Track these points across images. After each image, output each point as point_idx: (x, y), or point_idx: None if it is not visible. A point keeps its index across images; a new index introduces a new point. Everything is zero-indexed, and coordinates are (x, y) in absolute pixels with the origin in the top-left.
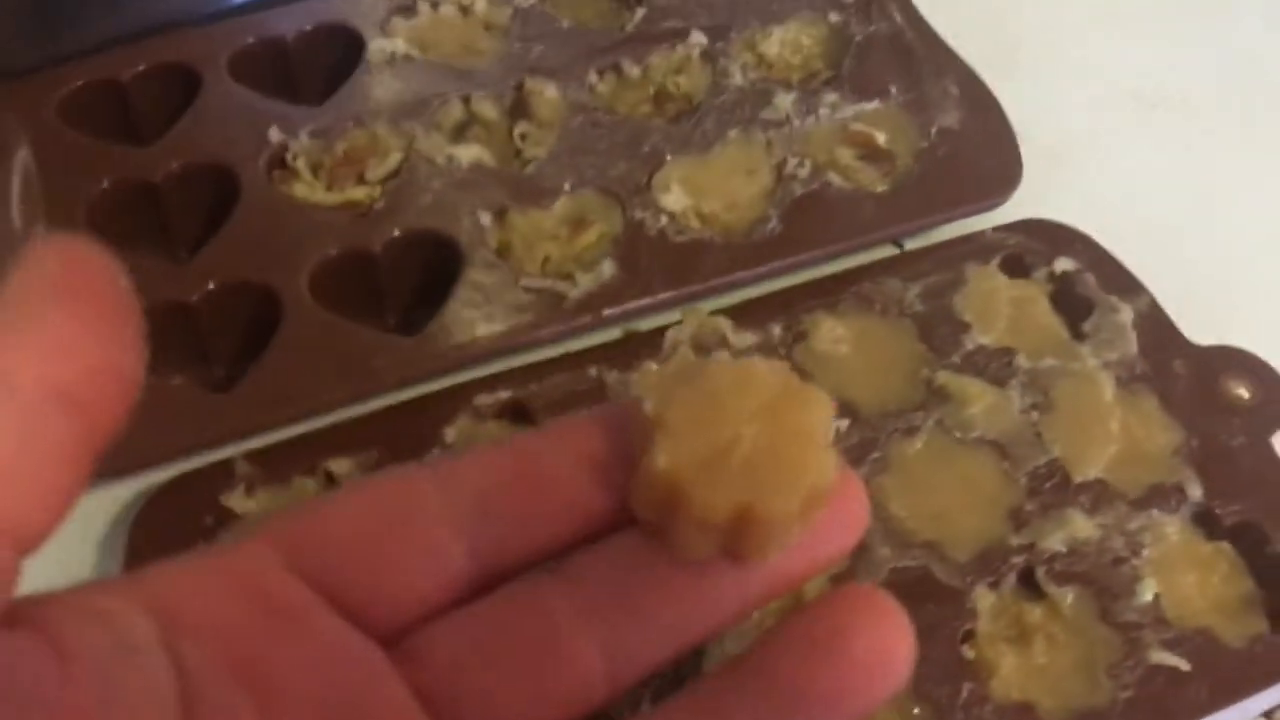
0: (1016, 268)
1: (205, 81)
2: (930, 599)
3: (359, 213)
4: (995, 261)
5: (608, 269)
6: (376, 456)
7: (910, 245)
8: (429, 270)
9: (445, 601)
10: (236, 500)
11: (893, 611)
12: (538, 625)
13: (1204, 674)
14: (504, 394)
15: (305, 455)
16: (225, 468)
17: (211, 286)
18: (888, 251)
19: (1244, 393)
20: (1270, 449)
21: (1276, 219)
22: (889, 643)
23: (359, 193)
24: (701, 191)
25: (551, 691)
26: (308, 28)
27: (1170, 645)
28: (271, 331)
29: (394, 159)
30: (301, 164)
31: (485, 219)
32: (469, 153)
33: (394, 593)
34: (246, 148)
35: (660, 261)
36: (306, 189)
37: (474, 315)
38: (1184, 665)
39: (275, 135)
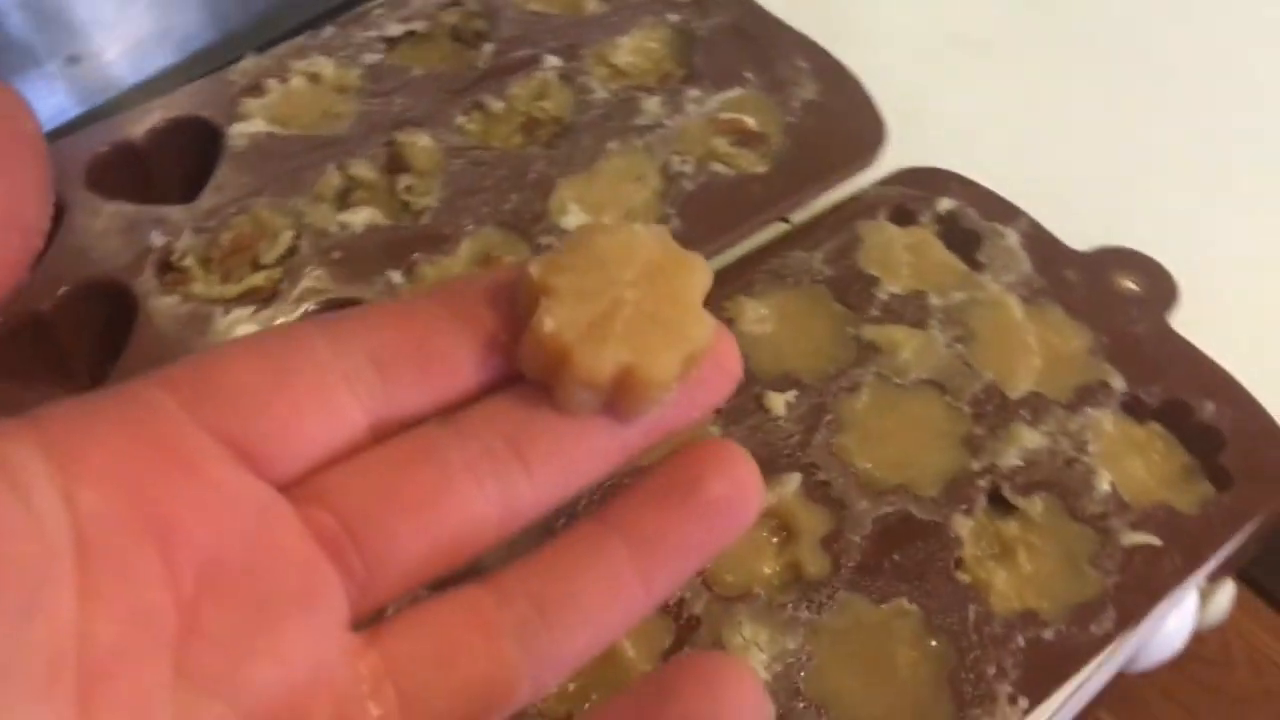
0: (903, 216)
1: (68, 199)
2: (917, 538)
3: (264, 298)
4: (883, 215)
5: None
6: None
7: (797, 216)
8: None
9: (340, 451)
10: None
11: (741, 459)
12: (432, 471)
13: (1174, 544)
14: None
15: None
16: None
17: None
18: (782, 228)
19: (1133, 285)
20: (1169, 329)
21: (1103, 127)
22: (739, 487)
23: (259, 278)
24: (598, 206)
25: (447, 534)
26: (159, 125)
27: (1138, 525)
28: None
29: (286, 237)
30: (191, 262)
31: (396, 276)
32: (360, 216)
33: (290, 438)
34: (130, 257)
35: None
36: (204, 286)
37: None
38: (1155, 540)
39: (157, 239)
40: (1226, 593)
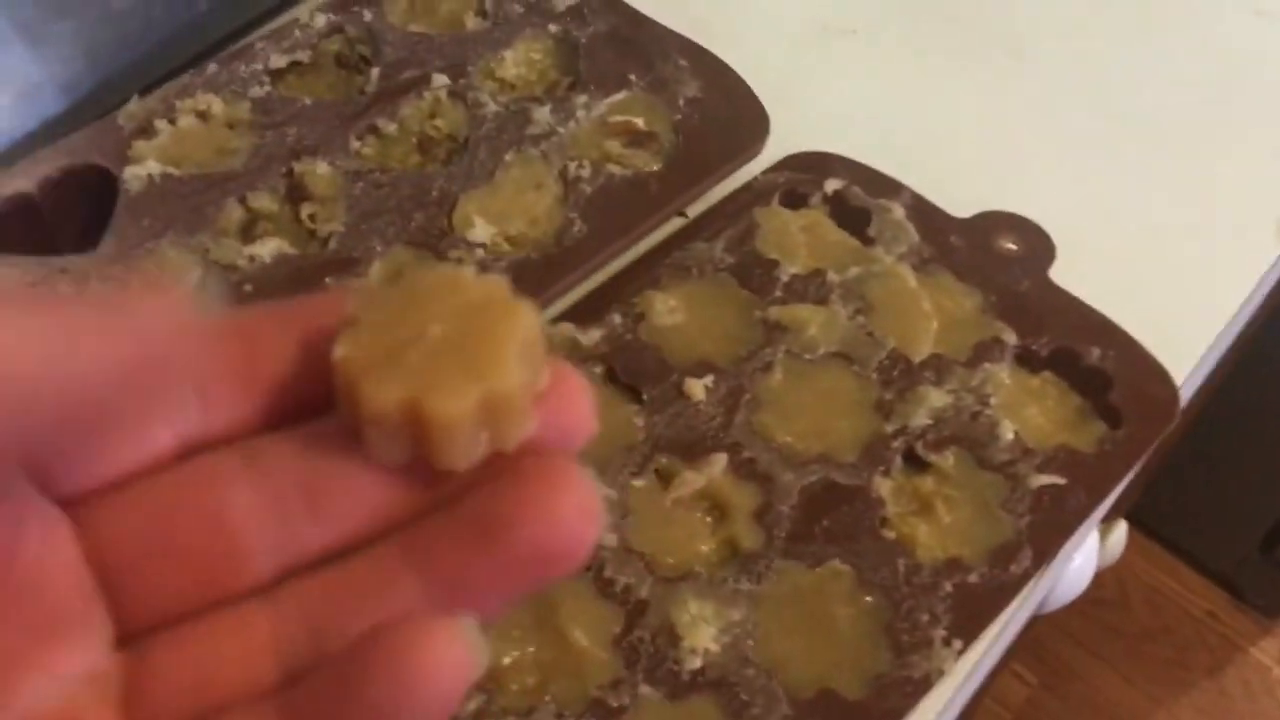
0: (794, 200)
1: None
2: (843, 502)
3: None
4: (775, 200)
5: None
6: None
7: (693, 209)
8: None
9: (141, 469)
10: None
11: (567, 492)
12: (213, 508)
13: (1077, 481)
14: None
15: None
16: None
17: None
18: (681, 223)
19: (1013, 245)
20: (1051, 283)
21: (971, 99)
22: (558, 530)
23: None
24: (502, 217)
25: (216, 577)
26: (52, 175)
27: (1043, 468)
28: None
29: (194, 275)
30: None
31: None
32: (267, 247)
33: (85, 456)
34: None
35: None
36: None
37: None
38: (1060, 480)
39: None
40: (1121, 531)
